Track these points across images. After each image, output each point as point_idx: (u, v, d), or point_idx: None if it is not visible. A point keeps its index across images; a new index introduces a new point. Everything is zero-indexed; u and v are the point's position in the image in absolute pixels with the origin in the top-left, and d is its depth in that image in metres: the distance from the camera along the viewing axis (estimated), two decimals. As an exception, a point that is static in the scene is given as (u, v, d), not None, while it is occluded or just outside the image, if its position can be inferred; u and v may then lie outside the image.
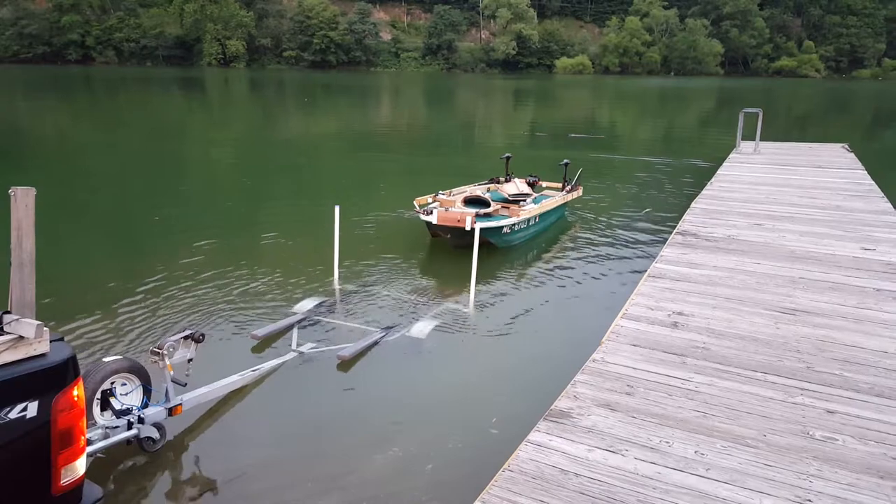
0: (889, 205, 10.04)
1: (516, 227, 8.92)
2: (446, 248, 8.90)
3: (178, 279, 7.60)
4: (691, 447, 3.75)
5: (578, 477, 3.47)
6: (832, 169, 13.50)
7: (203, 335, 4.56)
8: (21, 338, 2.53)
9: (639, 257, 8.86)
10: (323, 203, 9.92)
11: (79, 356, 3.53)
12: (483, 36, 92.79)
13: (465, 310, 6.95)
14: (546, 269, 8.47)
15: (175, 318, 6.51)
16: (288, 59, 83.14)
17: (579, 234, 10.22)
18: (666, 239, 8.54)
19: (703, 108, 41.88)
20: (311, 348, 5.93)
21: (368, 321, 6.59)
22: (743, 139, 16.72)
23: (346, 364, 5.65)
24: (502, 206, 9.27)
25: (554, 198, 10.17)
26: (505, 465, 3.57)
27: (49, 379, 2.60)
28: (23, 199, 2.75)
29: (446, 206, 8.95)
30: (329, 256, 7.79)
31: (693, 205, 10.12)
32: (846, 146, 16.82)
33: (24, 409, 2.51)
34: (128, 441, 4.15)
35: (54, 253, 8.24)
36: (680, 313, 5.73)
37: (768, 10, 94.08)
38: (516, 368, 5.78)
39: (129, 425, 4.14)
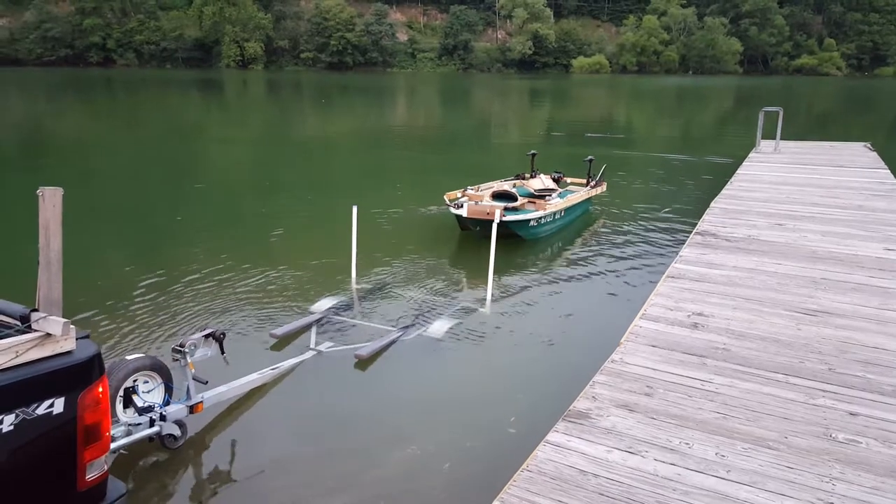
0: (913, 205, 9.87)
1: (543, 221, 9.29)
2: (464, 246, 8.96)
3: (198, 278, 7.69)
4: (711, 449, 3.72)
5: (597, 478, 3.46)
6: (854, 168, 13.30)
7: (224, 333, 4.62)
8: (48, 335, 2.57)
9: (658, 256, 8.83)
10: (340, 202, 9.95)
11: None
12: (499, 36, 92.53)
13: (483, 309, 6.96)
14: (564, 269, 8.47)
15: (195, 317, 6.59)
16: (305, 60, 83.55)
17: (599, 232, 10.30)
18: (685, 239, 8.48)
19: (722, 107, 41.46)
20: (329, 347, 5.97)
21: (386, 320, 6.61)
22: (763, 138, 16.53)
23: (363, 363, 5.68)
24: (528, 201, 9.49)
25: (578, 193, 10.52)
26: (523, 466, 3.57)
27: (75, 376, 2.64)
28: (51, 199, 2.80)
29: (475, 200, 9.22)
30: (346, 255, 7.84)
31: (713, 204, 10.03)
32: (868, 145, 16.55)
33: (51, 405, 2.55)
34: (150, 438, 4.21)
35: (78, 252, 8.34)
36: (700, 314, 5.69)
37: (788, 8, 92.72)
38: (534, 368, 5.77)
39: (152, 422, 4.21)
